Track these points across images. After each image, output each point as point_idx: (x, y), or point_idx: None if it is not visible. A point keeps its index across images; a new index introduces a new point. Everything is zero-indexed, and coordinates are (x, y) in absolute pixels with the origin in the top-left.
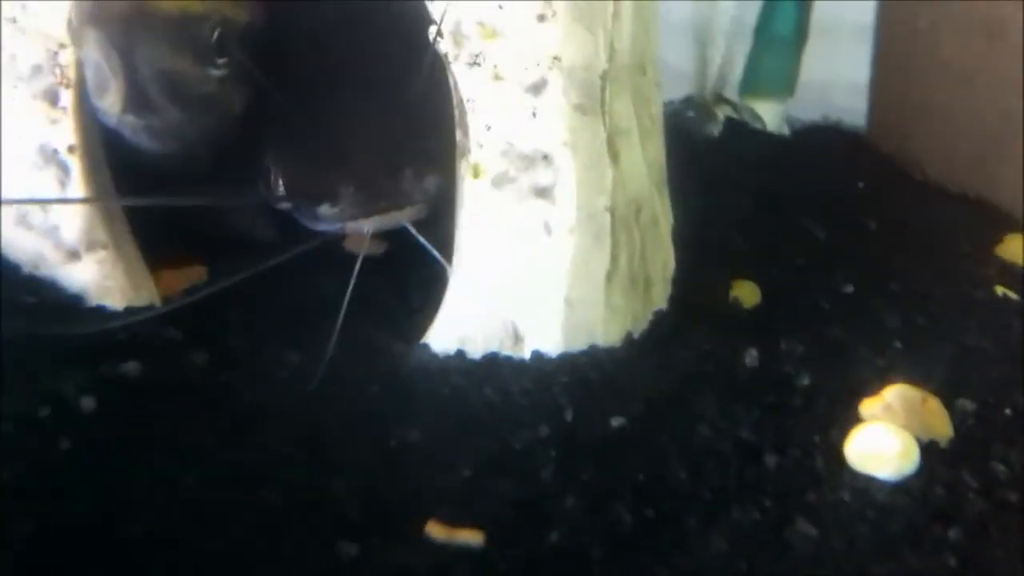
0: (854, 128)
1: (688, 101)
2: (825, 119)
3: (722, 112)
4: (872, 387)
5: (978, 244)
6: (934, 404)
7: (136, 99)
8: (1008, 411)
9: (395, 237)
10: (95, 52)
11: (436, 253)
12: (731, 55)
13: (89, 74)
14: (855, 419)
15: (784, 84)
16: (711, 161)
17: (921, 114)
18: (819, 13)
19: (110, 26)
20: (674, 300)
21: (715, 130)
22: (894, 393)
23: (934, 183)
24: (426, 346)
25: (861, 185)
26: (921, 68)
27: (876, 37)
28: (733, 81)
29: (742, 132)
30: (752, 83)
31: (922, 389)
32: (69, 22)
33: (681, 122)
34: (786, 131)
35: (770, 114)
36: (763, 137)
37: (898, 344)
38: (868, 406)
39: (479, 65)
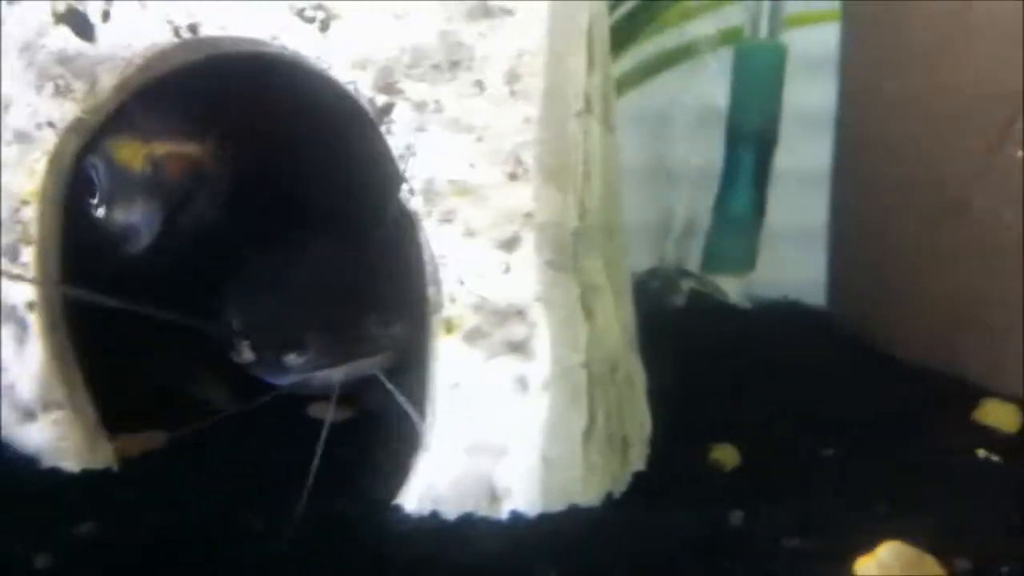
0: (814, 306)
1: (652, 272)
2: (785, 298)
3: (686, 284)
4: (862, 548)
5: (952, 411)
6: (931, 562)
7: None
8: (1006, 569)
9: (359, 402)
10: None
11: (406, 403)
12: (690, 231)
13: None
14: None
15: (744, 261)
16: (678, 330)
17: (879, 296)
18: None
19: None
20: (653, 461)
21: (679, 301)
22: (889, 551)
23: (898, 358)
24: (398, 508)
25: (828, 355)
26: (876, 252)
27: (831, 223)
28: (694, 256)
29: (706, 303)
30: (712, 260)
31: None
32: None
33: (646, 293)
34: (748, 305)
35: (731, 288)
36: (727, 309)
37: (883, 507)
38: (863, 564)
39: (451, 222)
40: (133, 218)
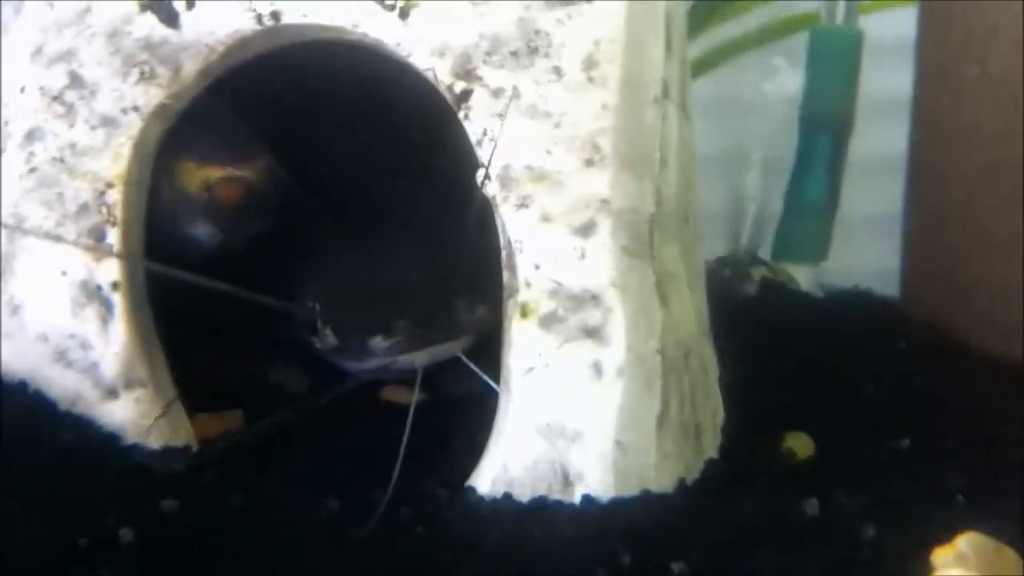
0: (887, 295)
1: (723, 260)
2: (856, 287)
3: (757, 272)
4: (940, 539)
5: None
6: (1010, 554)
7: None
8: None
9: (432, 386)
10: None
11: (492, 383)
12: (762, 218)
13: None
14: (927, 569)
15: (816, 249)
16: (750, 318)
17: (955, 285)
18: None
19: None
20: (725, 449)
21: (751, 289)
22: (967, 542)
23: (975, 349)
24: (472, 489)
25: (903, 345)
26: (952, 240)
27: (907, 211)
28: (766, 243)
29: (778, 292)
30: (784, 248)
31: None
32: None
33: (718, 281)
34: (820, 294)
35: (803, 277)
36: (799, 297)
37: (961, 499)
38: (940, 555)
39: (527, 207)
40: (196, 232)
